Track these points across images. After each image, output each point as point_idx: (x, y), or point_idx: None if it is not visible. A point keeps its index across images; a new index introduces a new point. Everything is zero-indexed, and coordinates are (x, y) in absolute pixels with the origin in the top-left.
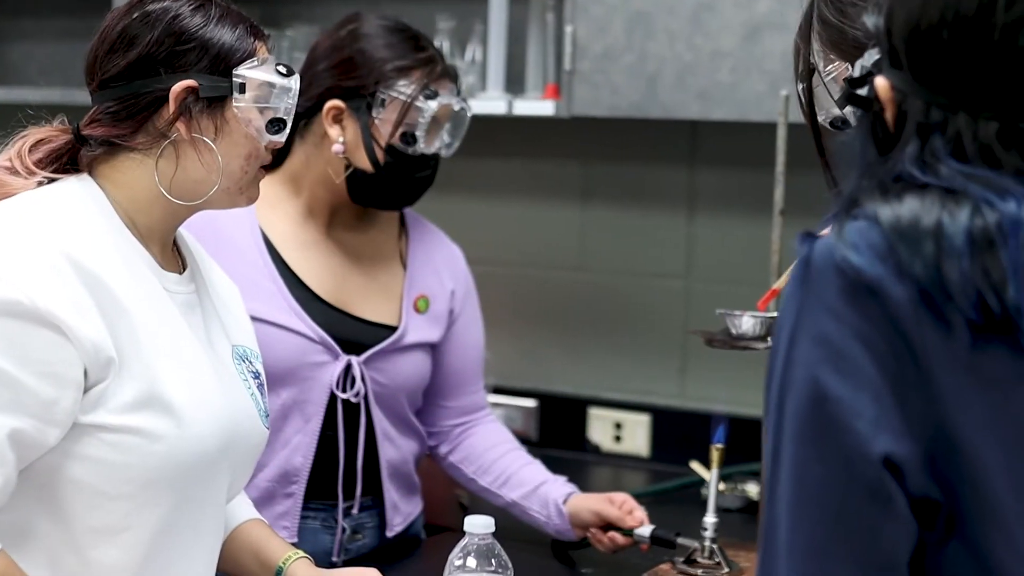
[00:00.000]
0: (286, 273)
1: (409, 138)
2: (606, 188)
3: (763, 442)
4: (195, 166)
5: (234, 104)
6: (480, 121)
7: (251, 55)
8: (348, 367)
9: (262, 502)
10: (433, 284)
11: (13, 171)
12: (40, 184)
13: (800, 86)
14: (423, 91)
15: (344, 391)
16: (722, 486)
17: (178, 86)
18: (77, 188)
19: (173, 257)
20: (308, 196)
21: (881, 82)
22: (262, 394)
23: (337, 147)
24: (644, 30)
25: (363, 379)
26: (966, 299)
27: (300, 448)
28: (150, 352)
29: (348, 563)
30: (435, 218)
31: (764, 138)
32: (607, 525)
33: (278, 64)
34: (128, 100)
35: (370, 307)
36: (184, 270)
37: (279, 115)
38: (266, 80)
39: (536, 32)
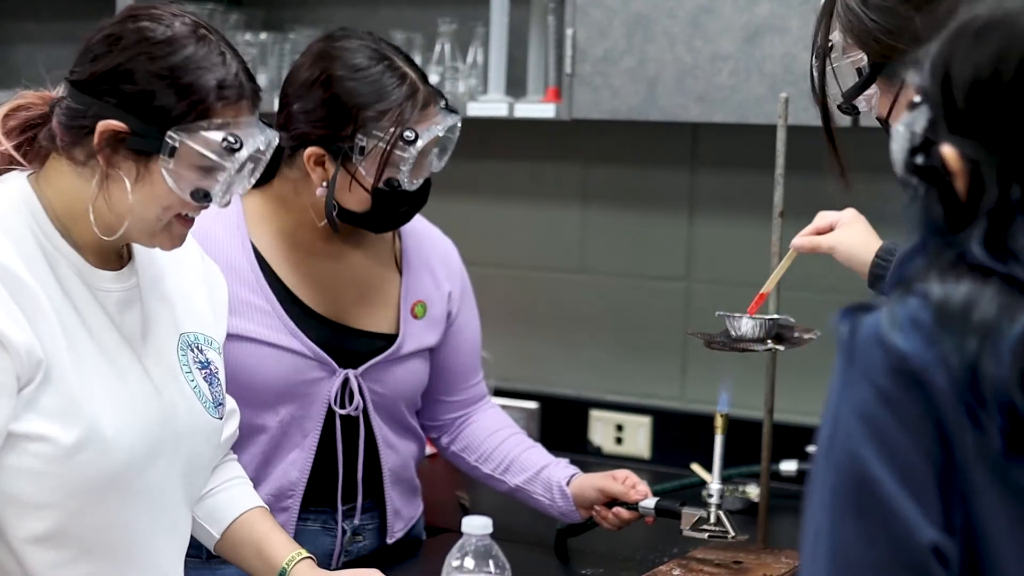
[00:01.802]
0: (279, 289)
1: (394, 182)
2: (606, 191)
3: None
4: (110, 200)
5: (160, 164)
6: (481, 124)
7: (204, 116)
8: (346, 381)
9: None
10: (430, 287)
11: None
12: None
13: (814, 63)
14: (402, 136)
15: (343, 406)
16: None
17: (105, 124)
18: (12, 191)
19: (115, 254)
20: (298, 214)
21: (949, 151)
22: (210, 383)
23: (321, 191)
24: (644, 33)
25: (361, 392)
26: (996, 407)
27: (297, 463)
28: (70, 360)
29: (348, 564)
30: (436, 220)
31: (764, 141)
32: (611, 501)
33: (230, 134)
34: (74, 111)
35: (367, 317)
36: (127, 263)
37: (206, 188)
38: (202, 152)
39: (537, 35)
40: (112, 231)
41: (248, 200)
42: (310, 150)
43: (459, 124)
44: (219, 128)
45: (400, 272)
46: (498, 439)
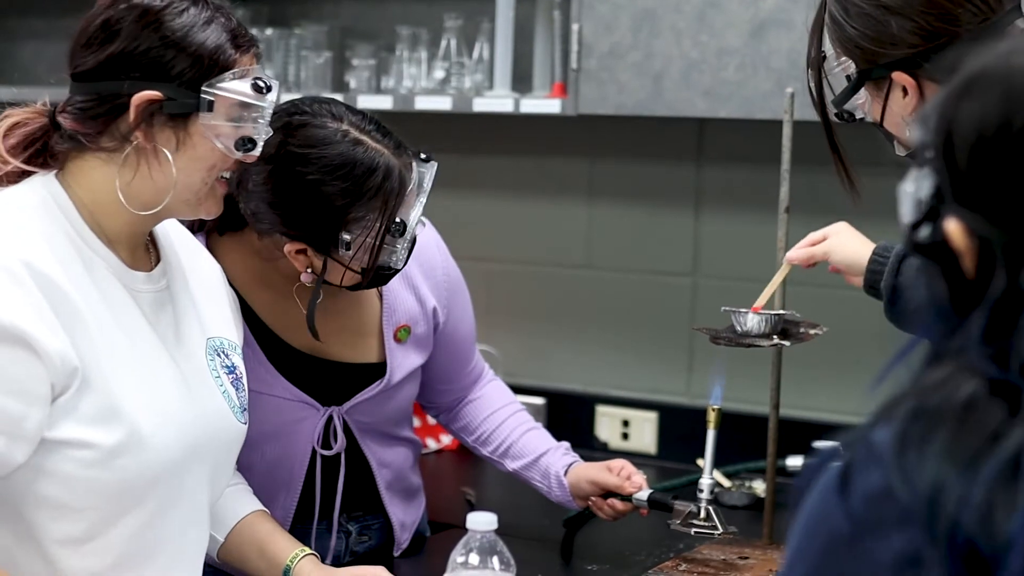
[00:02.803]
0: (258, 327)
1: (385, 268)
2: (613, 186)
3: None
4: (152, 174)
5: (200, 121)
6: (487, 119)
7: (228, 67)
8: (330, 419)
9: None
10: (412, 307)
11: None
12: (9, 176)
13: (810, 74)
14: (389, 230)
15: (327, 446)
16: (728, 483)
17: (140, 96)
18: (39, 190)
19: (145, 254)
20: (275, 263)
21: (953, 227)
22: (237, 388)
23: (306, 277)
24: (650, 28)
25: (347, 429)
26: (947, 547)
27: (283, 504)
28: (109, 364)
29: (354, 560)
30: (442, 216)
31: (770, 135)
32: (607, 492)
33: (257, 78)
34: (94, 100)
35: (350, 348)
36: (157, 264)
37: (249, 135)
38: (238, 99)
39: (543, 30)
40: (155, 205)
41: (216, 242)
42: (289, 246)
43: (434, 169)
44: (243, 76)
45: (380, 296)
46: (497, 420)
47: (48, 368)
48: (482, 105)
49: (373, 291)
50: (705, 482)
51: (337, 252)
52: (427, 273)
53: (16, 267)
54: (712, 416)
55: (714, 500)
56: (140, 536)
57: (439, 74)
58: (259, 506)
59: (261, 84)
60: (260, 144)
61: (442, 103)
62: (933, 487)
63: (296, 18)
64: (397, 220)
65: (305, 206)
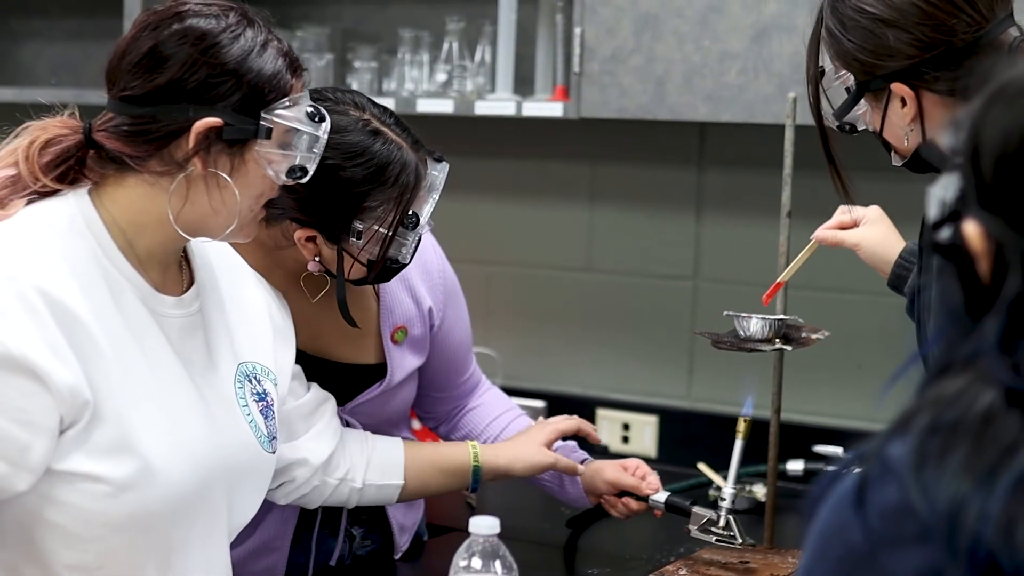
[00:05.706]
0: None
1: (393, 261)
2: (614, 189)
3: None
4: (205, 201)
5: (256, 148)
6: (489, 122)
7: (284, 94)
8: None
9: (243, 561)
10: (409, 308)
11: (16, 180)
12: (39, 193)
13: (809, 88)
14: (403, 222)
15: None
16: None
17: (201, 124)
18: (72, 209)
19: (178, 275)
20: (277, 257)
21: (972, 229)
22: (266, 416)
23: (313, 266)
24: (652, 32)
25: None
26: (968, 561)
27: (284, 513)
28: (124, 395)
29: (356, 564)
30: (443, 219)
31: (772, 140)
32: (622, 491)
33: (311, 105)
34: (144, 123)
35: (348, 349)
36: (190, 287)
37: (301, 163)
38: (294, 127)
39: (545, 34)
40: (201, 229)
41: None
42: (299, 232)
43: (446, 173)
44: (296, 103)
45: (377, 297)
46: (500, 425)
47: (57, 400)
48: (484, 108)
49: (370, 292)
50: (728, 491)
51: (348, 241)
52: (424, 274)
53: (31, 295)
54: (742, 427)
55: (735, 510)
56: (149, 565)
57: (441, 77)
58: (398, 440)
59: (312, 111)
60: (311, 172)
61: (444, 106)
62: (953, 503)
63: (298, 20)
64: (411, 213)
65: (322, 190)
